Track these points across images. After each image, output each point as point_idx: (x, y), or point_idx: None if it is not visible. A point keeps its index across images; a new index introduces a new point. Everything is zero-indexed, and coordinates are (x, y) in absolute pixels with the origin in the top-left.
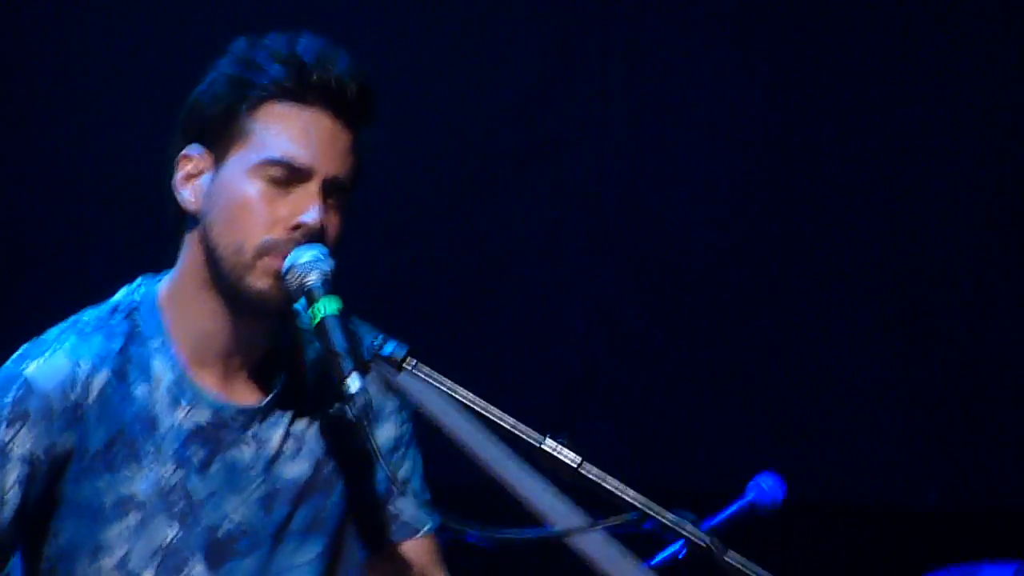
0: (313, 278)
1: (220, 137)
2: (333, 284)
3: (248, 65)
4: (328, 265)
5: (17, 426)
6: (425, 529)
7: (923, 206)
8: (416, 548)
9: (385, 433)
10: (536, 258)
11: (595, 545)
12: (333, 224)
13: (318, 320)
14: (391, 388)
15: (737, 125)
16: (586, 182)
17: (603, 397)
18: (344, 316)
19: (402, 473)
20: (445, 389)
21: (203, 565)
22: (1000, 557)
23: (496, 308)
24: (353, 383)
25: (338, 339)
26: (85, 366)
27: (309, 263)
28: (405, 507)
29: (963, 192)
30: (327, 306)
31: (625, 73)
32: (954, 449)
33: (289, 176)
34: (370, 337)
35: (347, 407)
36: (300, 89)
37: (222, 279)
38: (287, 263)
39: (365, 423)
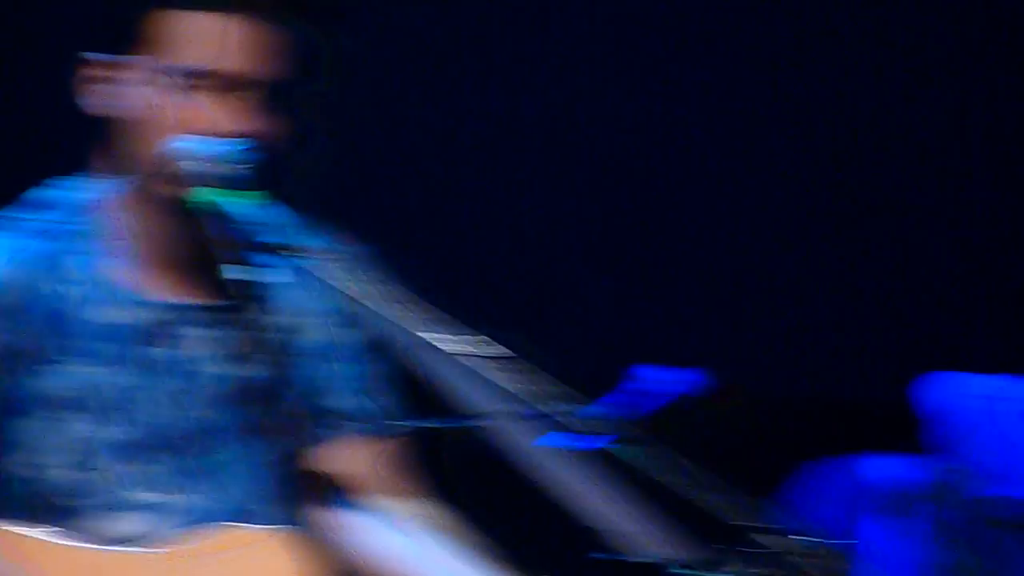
0: (198, 163)
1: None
2: (226, 172)
3: None
4: (208, 151)
5: None
6: (365, 427)
7: (849, 103)
8: (361, 447)
9: (316, 335)
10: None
11: (519, 435)
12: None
13: (191, 207)
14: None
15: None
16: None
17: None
18: (222, 206)
19: (337, 373)
20: (362, 288)
21: (121, 463)
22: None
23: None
24: (228, 272)
25: (214, 228)
26: (9, 264)
27: (186, 151)
28: (344, 402)
29: (889, 91)
30: (205, 193)
31: None
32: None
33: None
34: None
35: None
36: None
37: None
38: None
39: (262, 312)
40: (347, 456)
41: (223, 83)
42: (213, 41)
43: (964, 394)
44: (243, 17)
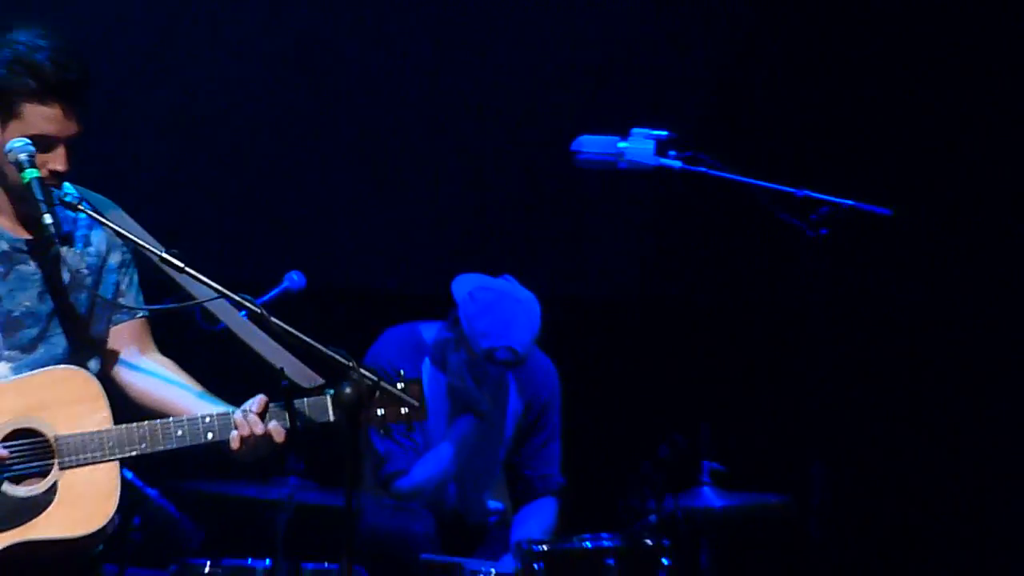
0: (21, 157)
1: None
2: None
3: (11, 70)
4: (28, 151)
5: None
6: (140, 314)
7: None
8: (133, 327)
9: (113, 257)
10: None
11: (231, 317)
12: (60, 157)
13: (24, 182)
14: (118, 236)
15: None
16: None
17: None
18: (40, 180)
19: (126, 285)
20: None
21: (2, 335)
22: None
23: None
24: (46, 218)
25: (36, 192)
26: None
27: (19, 149)
28: (127, 300)
29: None
30: (28, 174)
31: None
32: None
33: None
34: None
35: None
36: (45, 93)
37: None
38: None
39: (61, 246)
40: (129, 336)
41: (45, 141)
42: (46, 118)
43: (477, 287)
44: (61, 103)
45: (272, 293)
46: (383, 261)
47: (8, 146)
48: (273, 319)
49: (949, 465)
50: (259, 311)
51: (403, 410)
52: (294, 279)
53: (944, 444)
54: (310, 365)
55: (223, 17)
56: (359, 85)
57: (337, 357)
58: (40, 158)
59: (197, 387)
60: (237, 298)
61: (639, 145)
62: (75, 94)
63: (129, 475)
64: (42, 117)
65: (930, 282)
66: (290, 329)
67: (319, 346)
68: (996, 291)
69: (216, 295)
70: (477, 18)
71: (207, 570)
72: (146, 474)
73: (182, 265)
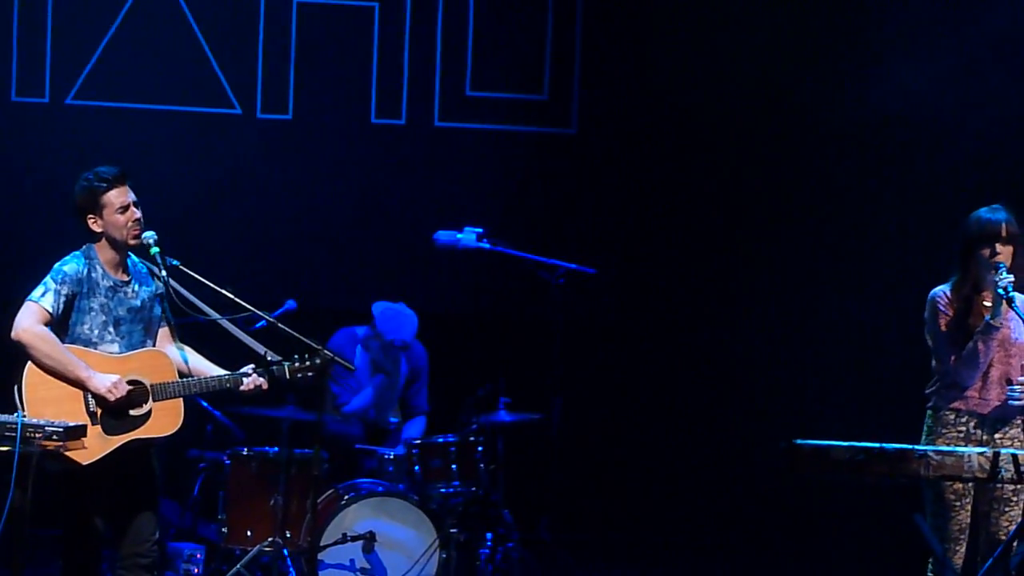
0: (150, 240)
1: (95, 208)
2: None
3: (90, 185)
4: (153, 237)
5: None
6: (173, 321)
7: None
8: (169, 328)
9: (160, 291)
10: None
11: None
12: (139, 217)
13: (152, 252)
14: (155, 275)
15: None
16: None
17: None
18: (161, 255)
19: (166, 306)
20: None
21: (114, 329)
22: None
23: None
24: (161, 274)
25: (158, 258)
26: (80, 266)
27: (147, 236)
28: (167, 314)
29: None
30: (152, 249)
31: None
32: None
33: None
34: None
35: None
36: (113, 186)
37: (114, 243)
38: (145, 237)
39: (164, 281)
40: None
41: (125, 208)
42: (121, 200)
43: (385, 307)
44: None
45: (278, 311)
46: (329, 287)
47: (145, 237)
48: (280, 324)
49: (640, 404)
50: (273, 320)
51: (343, 369)
52: (291, 304)
53: (640, 390)
54: (293, 349)
55: None
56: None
57: (314, 345)
58: (126, 217)
59: (206, 360)
60: (262, 314)
61: (468, 236)
62: (125, 179)
63: (205, 404)
64: (117, 195)
65: (620, 303)
66: (289, 330)
67: (305, 339)
68: (668, 303)
69: (246, 313)
70: None
71: (244, 451)
72: (213, 403)
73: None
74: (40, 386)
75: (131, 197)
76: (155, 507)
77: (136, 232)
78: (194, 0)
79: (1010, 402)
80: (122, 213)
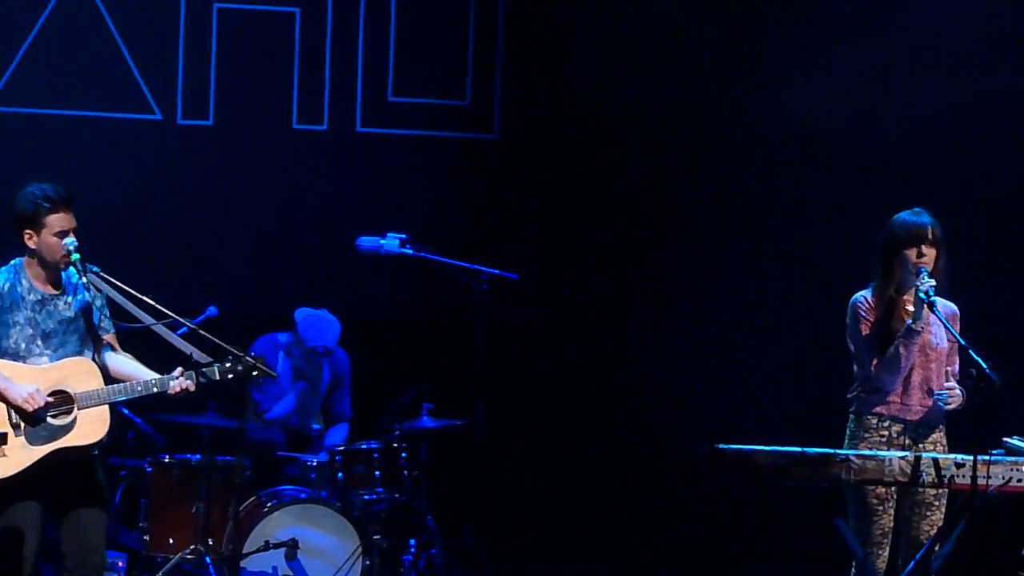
0: (70, 248)
1: (34, 225)
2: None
3: (35, 202)
4: (74, 244)
5: None
6: (112, 330)
7: None
8: (109, 336)
9: (96, 301)
10: None
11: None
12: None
13: (73, 259)
14: (92, 283)
15: None
16: None
17: None
18: (82, 261)
19: (103, 315)
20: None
21: (43, 342)
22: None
23: None
24: (83, 281)
25: (78, 266)
26: (1, 281)
27: (67, 243)
28: (104, 323)
29: None
30: (76, 258)
31: None
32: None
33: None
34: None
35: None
36: (58, 209)
37: (44, 262)
38: (64, 244)
39: (92, 288)
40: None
41: (63, 233)
42: (61, 220)
43: (307, 314)
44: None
45: (200, 318)
46: (250, 293)
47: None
48: (202, 331)
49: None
50: (194, 327)
51: (265, 375)
52: (212, 310)
53: (558, 393)
54: (215, 355)
55: None
56: None
57: (235, 351)
58: (62, 242)
59: (142, 366)
60: (183, 321)
61: (391, 242)
62: (70, 204)
63: (126, 411)
64: (59, 220)
65: (543, 308)
66: (211, 337)
67: (225, 345)
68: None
69: (168, 319)
70: None
71: (165, 459)
72: (134, 410)
73: (143, 299)
74: None
75: (72, 223)
76: (103, 518)
77: (68, 259)
78: (114, 5)
79: (938, 404)
80: (60, 237)
